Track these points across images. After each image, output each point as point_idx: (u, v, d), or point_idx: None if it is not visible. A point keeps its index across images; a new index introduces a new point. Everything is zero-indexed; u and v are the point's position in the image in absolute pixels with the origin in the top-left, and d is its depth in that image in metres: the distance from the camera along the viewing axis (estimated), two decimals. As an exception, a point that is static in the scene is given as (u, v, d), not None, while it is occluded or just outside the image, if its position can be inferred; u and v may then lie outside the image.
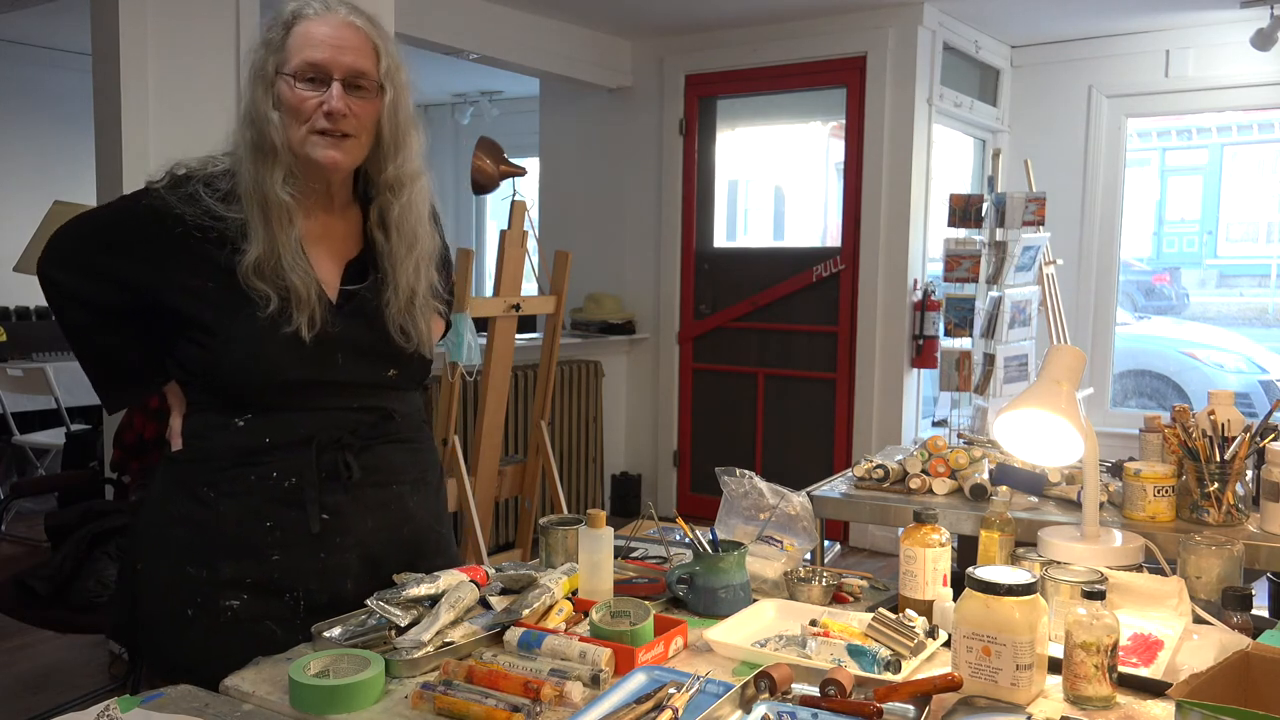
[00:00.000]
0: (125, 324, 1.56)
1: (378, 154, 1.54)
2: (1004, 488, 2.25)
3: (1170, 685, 1.18)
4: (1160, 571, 1.69)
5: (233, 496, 1.50)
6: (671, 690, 1.26)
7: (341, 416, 1.53)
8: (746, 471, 1.94)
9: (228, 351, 1.47)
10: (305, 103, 1.46)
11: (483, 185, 3.71)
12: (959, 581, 1.40)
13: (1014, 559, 1.73)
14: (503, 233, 3.69)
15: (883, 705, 1.22)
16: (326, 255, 1.57)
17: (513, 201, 3.69)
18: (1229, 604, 1.54)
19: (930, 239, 5.16)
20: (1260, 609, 1.65)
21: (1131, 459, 2.45)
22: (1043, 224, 4.61)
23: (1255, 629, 1.47)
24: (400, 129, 1.54)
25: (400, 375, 1.60)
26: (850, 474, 2.67)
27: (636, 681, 1.31)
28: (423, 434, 1.69)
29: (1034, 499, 2.40)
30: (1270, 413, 2.19)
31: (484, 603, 1.49)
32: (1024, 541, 1.91)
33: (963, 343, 4.65)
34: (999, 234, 4.56)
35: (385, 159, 1.54)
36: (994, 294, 4.59)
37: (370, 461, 1.55)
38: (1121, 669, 1.33)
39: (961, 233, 4.62)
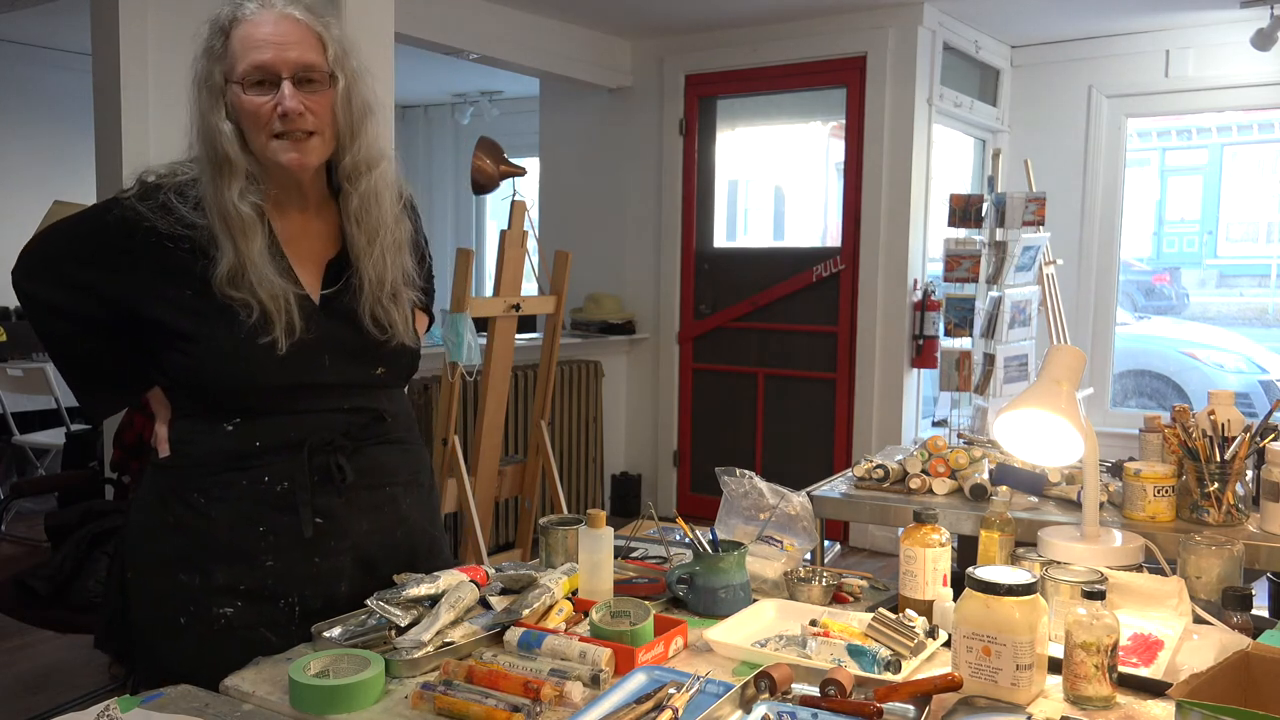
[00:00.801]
0: (104, 333, 1.53)
1: (336, 146, 1.50)
2: (1004, 488, 2.25)
3: (1170, 685, 1.18)
4: (1160, 571, 1.69)
5: (224, 502, 1.47)
6: (671, 690, 1.26)
7: (332, 418, 1.51)
8: (746, 471, 1.94)
9: (210, 358, 1.45)
10: (260, 108, 1.42)
11: (483, 185, 3.71)
12: (959, 581, 1.40)
13: (1014, 559, 1.73)
14: (503, 233, 3.69)
15: (883, 705, 1.22)
16: (306, 256, 1.54)
17: (513, 201, 3.69)
18: (1229, 604, 1.54)
19: (930, 239, 5.16)
20: (1260, 609, 1.65)
21: (1131, 459, 2.45)
22: (1043, 224, 4.61)
23: (1255, 629, 1.47)
24: (355, 116, 1.49)
25: (388, 373, 1.58)
26: (850, 474, 2.67)
27: (636, 681, 1.31)
28: (413, 434, 1.66)
29: (1034, 499, 2.40)
30: (1270, 413, 2.19)
31: (484, 603, 1.49)
32: (1024, 541, 1.91)
33: (963, 343, 4.65)
34: (999, 234, 4.56)
35: (343, 149, 1.50)
36: (994, 294, 4.59)
37: (362, 463, 1.53)
38: (1121, 669, 1.33)
39: (961, 233, 4.62)
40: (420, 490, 1.65)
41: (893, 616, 1.45)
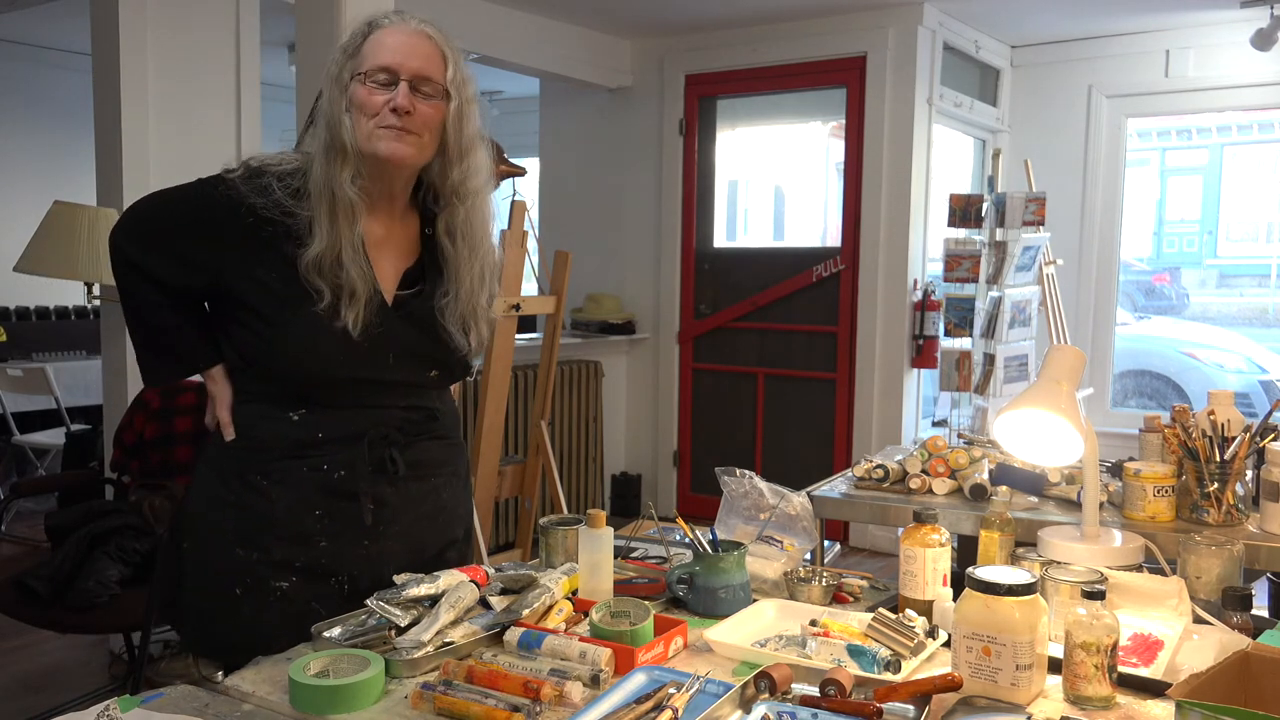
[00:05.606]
0: (184, 304, 1.60)
1: (443, 161, 1.59)
2: (1004, 488, 2.25)
3: (1170, 685, 1.18)
4: (1160, 571, 1.69)
5: (284, 485, 1.56)
6: (671, 690, 1.26)
7: (390, 414, 1.61)
8: (746, 471, 1.94)
9: (284, 343, 1.53)
10: (370, 98, 1.51)
11: (483, 185, 3.70)
12: (959, 581, 1.40)
13: (1014, 559, 1.73)
14: (503, 233, 3.69)
15: (883, 705, 1.22)
16: (386, 259, 1.62)
17: (513, 201, 3.69)
18: (1229, 604, 1.54)
19: (930, 239, 5.16)
20: (1260, 609, 1.65)
21: (1131, 459, 2.45)
22: (1043, 224, 4.61)
23: (1255, 629, 1.47)
24: (465, 139, 1.59)
25: (441, 375, 1.67)
26: (850, 474, 2.67)
27: (636, 681, 1.31)
28: (457, 430, 1.78)
29: (1034, 499, 2.40)
30: (1270, 413, 2.19)
31: (484, 603, 1.50)
32: (1024, 541, 1.91)
33: (963, 343, 4.65)
34: (999, 234, 4.56)
35: (450, 165, 1.59)
36: (994, 294, 4.59)
37: (413, 456, 1.63)
38: (1121, 669, 1.33)
39: (961, 233, 4.62)
40: (458, 480, 1.76)
41: (893, 616, 1.45)
